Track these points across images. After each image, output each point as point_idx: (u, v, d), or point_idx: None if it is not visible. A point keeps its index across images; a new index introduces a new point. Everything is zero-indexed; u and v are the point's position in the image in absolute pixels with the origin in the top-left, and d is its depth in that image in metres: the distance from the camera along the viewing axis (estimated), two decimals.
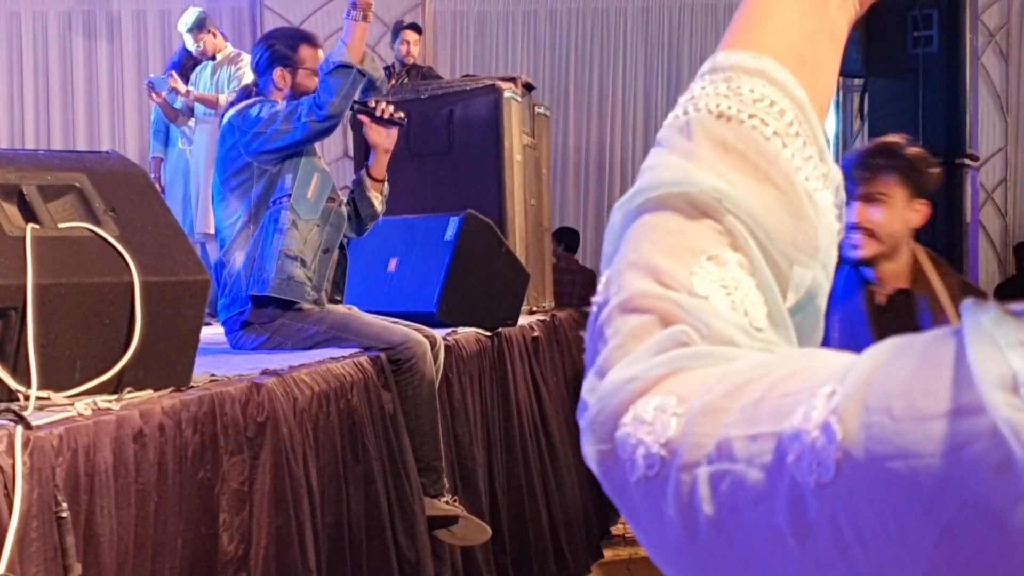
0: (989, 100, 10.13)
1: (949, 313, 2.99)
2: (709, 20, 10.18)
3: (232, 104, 4.54)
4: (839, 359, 0.59)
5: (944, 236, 7.83)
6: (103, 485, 2.42)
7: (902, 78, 7.88)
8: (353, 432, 3.63)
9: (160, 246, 2.99)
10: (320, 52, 4.54)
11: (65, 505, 2.20)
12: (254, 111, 4.28)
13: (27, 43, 10.23)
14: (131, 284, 2.86)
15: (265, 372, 3.34)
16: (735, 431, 0.59)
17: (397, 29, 8.46)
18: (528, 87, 7.59)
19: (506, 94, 7.07)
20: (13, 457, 2.14)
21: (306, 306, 4.30)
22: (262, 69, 4.46)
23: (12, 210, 2.86)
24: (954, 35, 7.48)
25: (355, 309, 4.42)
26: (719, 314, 0.67)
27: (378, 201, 4.68)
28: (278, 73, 4.42)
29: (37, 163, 3.01)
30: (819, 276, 0.75)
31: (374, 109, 4.53)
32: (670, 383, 0.64)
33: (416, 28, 8.48)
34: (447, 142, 7.16)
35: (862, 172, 3.16)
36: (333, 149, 10.45)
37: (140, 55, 10.16)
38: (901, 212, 3.15)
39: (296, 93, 4.42)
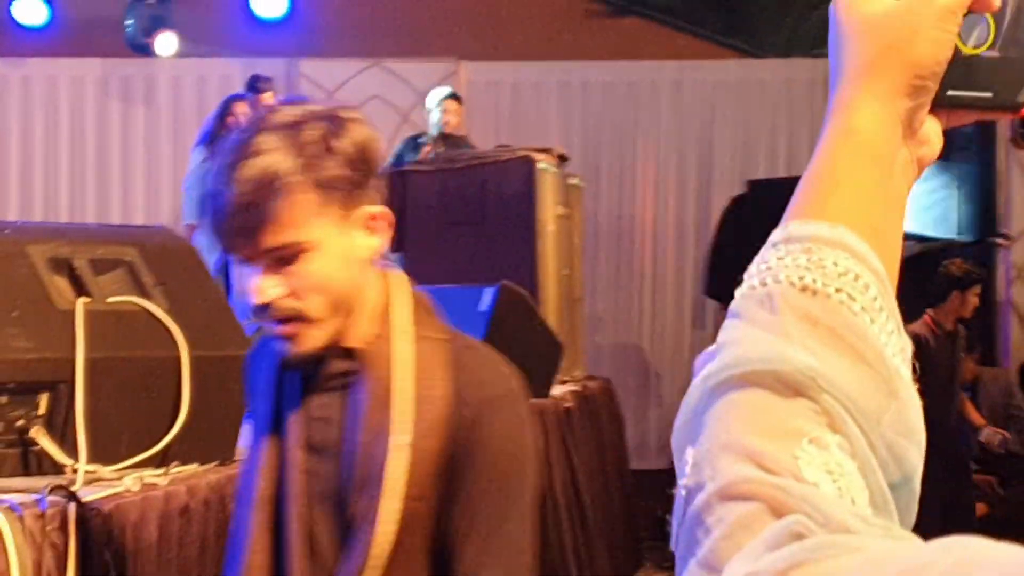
0: (1020, 177, 10.13)
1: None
2: (741, 95, 10.22)
3: None
4: (1004, 551, 0.56)
5: (976, 315, 7.81)
6: (147, 560, 2.44)
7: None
8: None
9: (208, 321, 3.02)
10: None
11: None
12: None
13: (64, 107, 10.35)
14: (179, 358, 2.88)
15: None
16: None
17: (438, 99, 8.53)
18: (562, 158, 7.64)
19: (540, 165, 7.12)
20: (66, 535, 2.16)
21: None
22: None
23: (63, 283, 2.90)
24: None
25: None
26: (832, 501, 0.64)
27: None
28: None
29: (88, 237, 3.06)
30: (914, 457, 0.73)
31: None
32: None
33: (457, 98, 8.55)
34: (481, 211, 7.21)
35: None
36: None
37: (176, 121, 10.26)
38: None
39: None
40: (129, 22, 9.54)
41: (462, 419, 1.78)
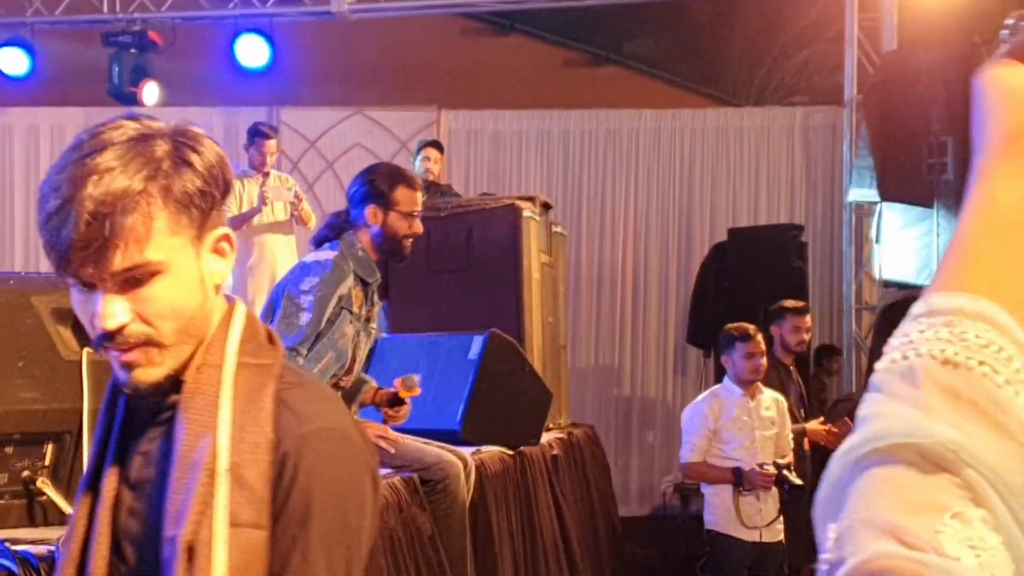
0: None
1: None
2: (720, 143, 10.30)
3: (317, 237, 4.51)
4: None
5: None
6: None
7: (916, 204, 7.97)
8: (395, 555, 3.63)
9: None
10: (419, 195, 4.48)
11: None
12: (304, 285, 4.25)
13: (44, 155, 10.35)
14: None
15: None
16: None
17: (419, 146, 8.59)
18: (546, 206, 7.68)
19: (525, 213, 7.15)
20: None
21: None
22: (357, 201, 4.37)
23: (67, 334, 2.90)
24: (969, 162, 7.59)
25: (389, 430, 4.43)
26: (973, 575, 0.65)
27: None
28: (370, 210, 4.33)
29: None
30: None
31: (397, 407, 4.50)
32: None
33: (438, 146, 8.60)
34: (466, 259, 7.22)
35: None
36: None
37: None
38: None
39: (386, 233, 4.34)
40: (115, 72, 9.56)
41: (280, 454, 1.63)
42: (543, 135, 10.44)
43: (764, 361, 6.15)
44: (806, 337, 7.13)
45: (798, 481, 5.96)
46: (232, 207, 7.69)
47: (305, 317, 4.16)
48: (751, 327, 6.23)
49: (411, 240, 4.39)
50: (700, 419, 6.15)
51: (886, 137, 8.17)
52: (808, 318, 7.18)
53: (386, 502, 3.77)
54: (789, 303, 7.25)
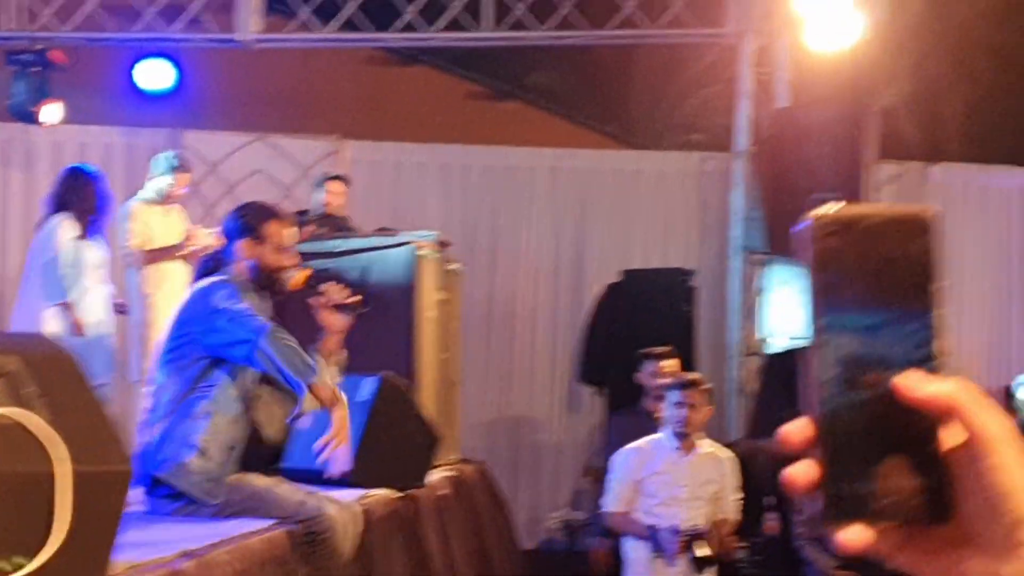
0: None
1: None
2: (617, 184, 10.39)
3: (200, 271, 4.58)
4: None
5: None
6: None
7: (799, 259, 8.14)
8: None
9: (88, 434, 3.03)
10: (292, 231, 4.58)
11: None
12: (218, 297, 4.33)
13: None
14: (56, 474, 2.89)
15: (184, 554, 3.37)
16: None
17: (322, 179, 8.59)
18: (443, 244, 7.74)
19: (421, 252, 7.21)
20: None
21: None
22: (231, 236, 4.51)
23: None
24: None
25: (278, 479, 4.46)
26: None
27: (330, 376, 4.61)
28: (243, 243, 4.46)
29: None
30: None
31: (324, 295, 4.57)
32: None
33: (343, 180, 8.62)
34: (360, 296, 7.24)
35: None
36: None
37: None
38: None
39: (260, 266, 4.45)
40: (16, 91, 9.45)
41: None
42: (444, 169, 10.48)
43: (694, 415, 5.86)
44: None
45: (700, 553, 5.60)
46: (133, 238, 7.56)
47: (243, 306, 4.24)
48: (695, 377, 6.03)
49: (285, 273, 4.48)
50: (624, 467, 5.92)
51: (776, 191, 8.35)
52: (673, 362, 7.01)
53: (267, 556, 3.81)
54: (656, 350, 7.10)
